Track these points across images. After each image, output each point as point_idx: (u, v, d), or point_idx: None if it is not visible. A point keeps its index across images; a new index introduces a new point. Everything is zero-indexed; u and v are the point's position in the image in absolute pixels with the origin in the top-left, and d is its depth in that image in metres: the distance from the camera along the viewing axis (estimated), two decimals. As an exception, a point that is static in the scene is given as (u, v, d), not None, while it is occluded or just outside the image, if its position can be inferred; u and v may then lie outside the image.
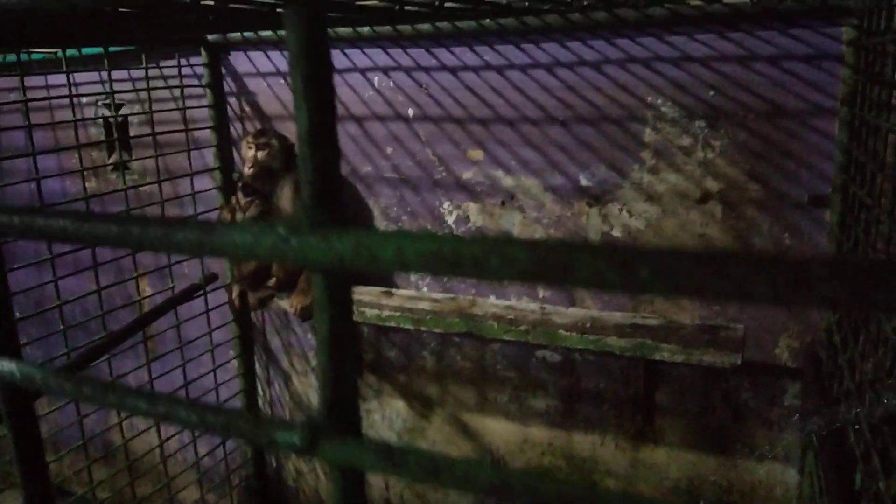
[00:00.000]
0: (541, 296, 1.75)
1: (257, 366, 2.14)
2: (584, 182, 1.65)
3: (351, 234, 0.22)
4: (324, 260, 0.23)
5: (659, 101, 1.54)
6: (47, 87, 2.10)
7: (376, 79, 1.79)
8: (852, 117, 1.37)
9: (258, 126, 1.92)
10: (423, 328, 1.68)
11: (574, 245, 0.19)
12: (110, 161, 2.14)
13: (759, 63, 1.46)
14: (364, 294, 1.78)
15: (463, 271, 0.21)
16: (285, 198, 1.74)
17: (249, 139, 1.75)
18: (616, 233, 1.64)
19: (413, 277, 1.88)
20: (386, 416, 2.01)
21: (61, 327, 1.67)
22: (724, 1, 1.40)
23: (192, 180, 1.92)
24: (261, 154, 1.72)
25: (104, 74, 1.75)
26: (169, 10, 1.12)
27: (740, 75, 1.47)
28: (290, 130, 1.88)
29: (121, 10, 0.90)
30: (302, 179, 0.24)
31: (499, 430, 1.88)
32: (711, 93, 1.50)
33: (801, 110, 1.45)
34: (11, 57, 1.95)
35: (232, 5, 1.13)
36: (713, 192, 1.55)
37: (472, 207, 1.77)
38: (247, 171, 1.73)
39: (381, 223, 1.87)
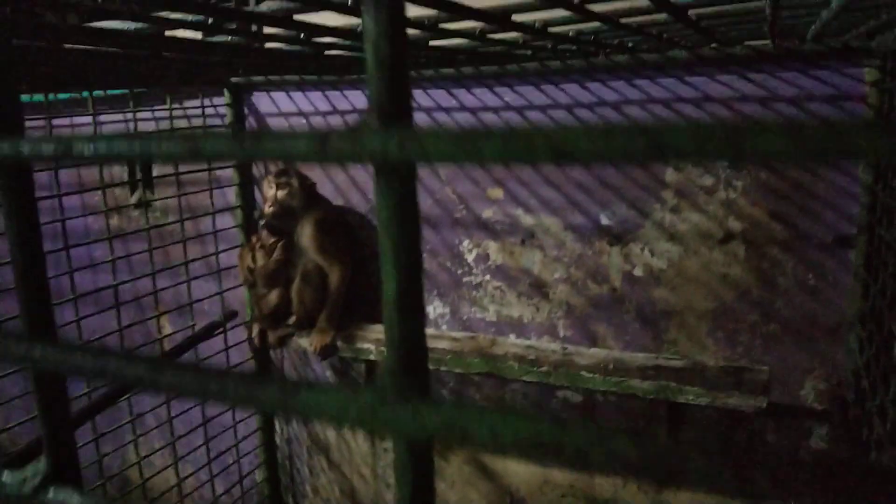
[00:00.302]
0: (562, 335, 1.74)
1: (276, 403, 2.13)
2: (604, 221, 1.64)
3: (443, 410, 0.22)
4: (411, 432, 0.22)
5: (680, 142, 1.54)
6: (72, 126, 2.14)
7: (397, 118, 1.80)
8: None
9: (280, 165, 1.94)
10: (442, 368, 1.67)
11: (682, 447, 0.19)
12: (133, 199, 2.16)
13: (781, 104, 1.45)
14: (382, 333, 1.77)
15: (564, 460, 0.20)
16: (306, 236, 1.75)
17: (271, 178, 1.76)
18: (638, 272, 1.63)
19: (432, 316, 1.87)
20: (404, 456, 1.99)
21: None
22: (745, 43, 1.41)
23: (213, 218, 1.93)
24: (281, 193, 1.73)
25: (129, 114, 1.78)
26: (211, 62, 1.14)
27: (762, 116, 1.47)
28: (310, 170, 1.89)
29: (162, 54, 0.92)
30: (387, 345, 0.24)
31: (519, 472, 1.85)
32: (733, 133, 1.49)
33: (825, 151, 1.44)
34: (38, 96, 1.99)
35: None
36: (736, 232, 1.53)
37: (492, 246, 1.77)
38: (267, 209, 1.74)
39: (400, 261, 1.86)
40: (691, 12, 0.74)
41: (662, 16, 0.80)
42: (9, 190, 0.30)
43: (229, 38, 0.96)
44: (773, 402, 1.51)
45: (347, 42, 1.04)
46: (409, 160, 0.22)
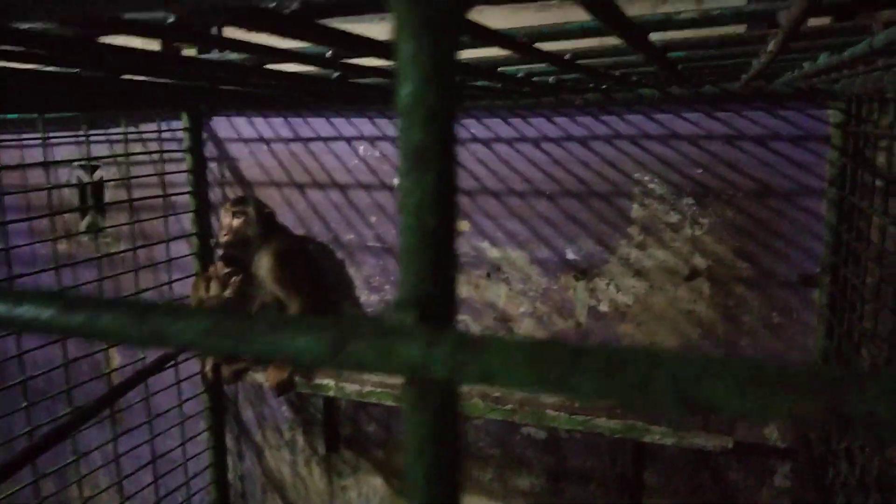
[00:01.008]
0: (526, 370, 1.71)
1: (228, 439, 2.05)
2: (570, 256, 1.62)
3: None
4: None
5: (646, 178, 1.53)
6: (21, 146, 2.05)
7: (361, 148, 1.76)
8: (840, 198, 1.37)
9: (238, 192, 1.88)
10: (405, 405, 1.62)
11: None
12: (83, 224, 2.08)
13: (747, 142, 1.46)
14: (344, 367, 1.72)
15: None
16: (264, 268, 1.69)
17: (228, 206, 1.71)
18: (604, 307, 1.62)
19: (394, 349, 1.82)
20: (363, 494, 1.93)
21: (24, 403, 1.58)
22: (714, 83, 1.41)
23: (167, 246, 1.86)
24: (237, 222, 1.68)
25: (81, 137, 1.71)
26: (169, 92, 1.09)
27: (728, 154, 1.47)
28: (271, 197, 1.84)
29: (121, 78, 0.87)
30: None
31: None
32: (699, 171, 1.50)
33: (789, 190, 1.45)
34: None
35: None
36: (701, 269, 1.53)
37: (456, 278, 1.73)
38: (222, 238, 1.68)
39: (363, 292, 1.82)
40: (670, 55, 0.73)
41: (634, 57, 0.79)
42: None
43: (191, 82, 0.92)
44: (738, 441, 1.50)
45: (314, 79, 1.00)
46: (460, 380, 0.18)
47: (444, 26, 0.18)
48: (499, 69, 0.83)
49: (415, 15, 0.18)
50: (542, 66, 0.84)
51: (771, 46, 0.57)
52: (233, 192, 1.90)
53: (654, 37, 0.60)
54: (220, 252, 1.73)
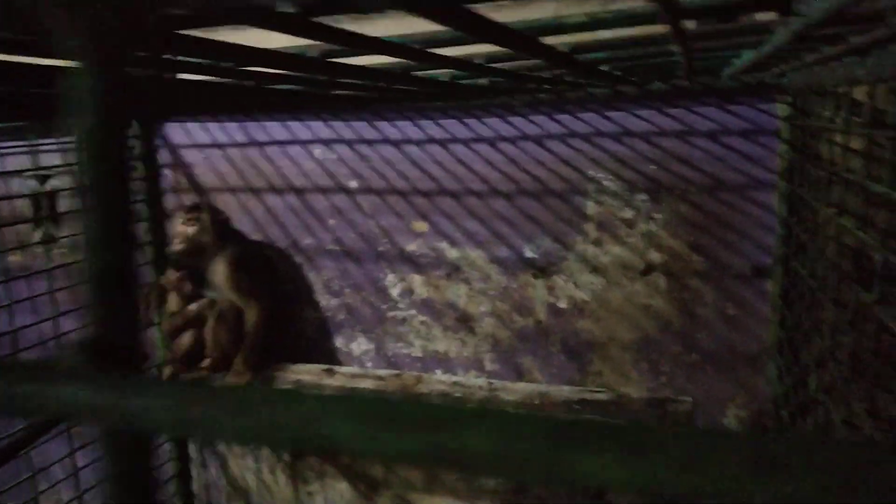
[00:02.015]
0: (488, 369, 1.71)
1: (191, 449, 2.03)
2: (528, 254, 1.63)
3: None
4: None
5: (600, 175, 1.55)
6: (-30, 157, 2.00)
7: (317, 151, 1.75)
8: (791, 191, 1.39)
9: (194, 198, 1.86)
10: (367, 408, 1.61)
11: None
12: (36, 235, 2.04)
13: (699, 138, 1.48)
14: (304, 373, 1.71)
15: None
16: (219, 274, 1.67)
17: (181, 213, 1.68)
18: (562, 304, 1.62)
19: (357, 353, 1.82)
20: (329, 499, 1.92)
21: (-25, 418, 1.54)
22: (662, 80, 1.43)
23: (123, 255, 1.83)
24: (191, 229, 1.66)
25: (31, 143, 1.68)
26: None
27: (680, 150, 1.49)
28: (227, 202, 1.82)
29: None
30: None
31: (448, 511, 1.81)
32: (652, 167, 1.51)
33: (741, 184, 1.47)
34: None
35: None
36: (657, 264, 1.54)
37: (416, 279, 1.73)
38: (176, 247, 1.66)
39: (323, 296, 1.81)
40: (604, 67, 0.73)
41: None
42: None
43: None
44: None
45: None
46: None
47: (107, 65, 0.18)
48: (411, 73, 0.83)
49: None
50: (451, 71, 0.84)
51: (675, 47, 0.58)
52: (188, 199, 1.87)
53: (586, 37, 0.61)
54: (171, 260, 1.71)
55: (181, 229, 1.66)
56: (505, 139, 1.60)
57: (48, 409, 0.17)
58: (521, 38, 0.51)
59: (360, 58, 0.72)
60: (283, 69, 0.69)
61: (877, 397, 0.83)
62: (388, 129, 1.69)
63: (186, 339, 1.71)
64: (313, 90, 0.99)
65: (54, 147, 1.95)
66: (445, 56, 0.62)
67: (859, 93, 0.96)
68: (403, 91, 1.11)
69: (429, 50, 0.60)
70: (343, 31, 0.50)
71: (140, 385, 0.17)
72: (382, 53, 0.58)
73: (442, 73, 0.88)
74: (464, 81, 0.95)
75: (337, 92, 1.09)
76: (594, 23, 0.54)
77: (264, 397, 0.17)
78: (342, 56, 0.70)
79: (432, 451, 0.16)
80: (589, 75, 0.93)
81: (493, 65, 0.75)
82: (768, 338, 1.49)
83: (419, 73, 0.85)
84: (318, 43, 0.67)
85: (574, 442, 0.16)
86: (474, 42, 0.58)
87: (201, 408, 0.16)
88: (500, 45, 0.53)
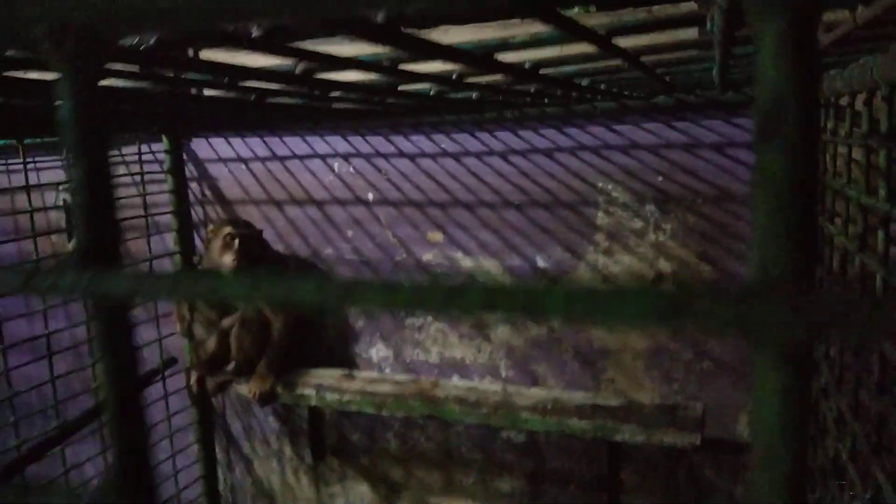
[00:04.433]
0: (504, 375, 1.75)
1: (218, 451, 2.10)
2: (541, 263, 1.67)
3: None
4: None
5: (610, 187, 1.59)
6: (8, 171, 2.10)
7: (336, 164, 1.82)
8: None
9: (220, 210, 1.93)
10: (384, 412, 1.67)
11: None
12: (70, 245, 2.13)
13: (705, 150, 1.51)
14: (325, 377, 1.77)
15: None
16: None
17: (227, 229, 1.70)
18: (574, 313, 1.66)
19: (376, 359, 1.87)
20: (350, 501, 1.98)
21: (12, 419, 1.62)
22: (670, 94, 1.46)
23: (150, 264, 1.91)
24: (244, 245, 1.67)
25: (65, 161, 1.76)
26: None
27: (687, 162, 1.53)
28: (251, 214, 1.89)
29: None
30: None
31: (464, 514, 1.85)
32: (660, 178, 1.55)
33: (748, 194, 1.50)
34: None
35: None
36: (666, 273, 1.58)
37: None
38: (230, 264, 1.66)
39: (342, 305, 1.87)
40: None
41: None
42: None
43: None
44: (711, 438, 1.54)
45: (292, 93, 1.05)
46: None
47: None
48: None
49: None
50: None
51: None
52: (213, 211, 1.95)
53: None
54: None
55: (235, 246, 1.67)
56: (516, 152, 1.65)
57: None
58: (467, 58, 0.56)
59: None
60: (276, 82, 0.75)
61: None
62: (404, 143, 1.75)
63: (211, 344, 1.78)
64: (323, 105, 1.05)
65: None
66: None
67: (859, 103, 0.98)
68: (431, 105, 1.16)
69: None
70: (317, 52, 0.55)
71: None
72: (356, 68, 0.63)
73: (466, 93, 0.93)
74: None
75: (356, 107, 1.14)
76: (535, 41, 0.59)
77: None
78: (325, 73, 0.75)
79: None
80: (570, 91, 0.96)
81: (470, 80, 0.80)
82: (776, 345, 1.51)
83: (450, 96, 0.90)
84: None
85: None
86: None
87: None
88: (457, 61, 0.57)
